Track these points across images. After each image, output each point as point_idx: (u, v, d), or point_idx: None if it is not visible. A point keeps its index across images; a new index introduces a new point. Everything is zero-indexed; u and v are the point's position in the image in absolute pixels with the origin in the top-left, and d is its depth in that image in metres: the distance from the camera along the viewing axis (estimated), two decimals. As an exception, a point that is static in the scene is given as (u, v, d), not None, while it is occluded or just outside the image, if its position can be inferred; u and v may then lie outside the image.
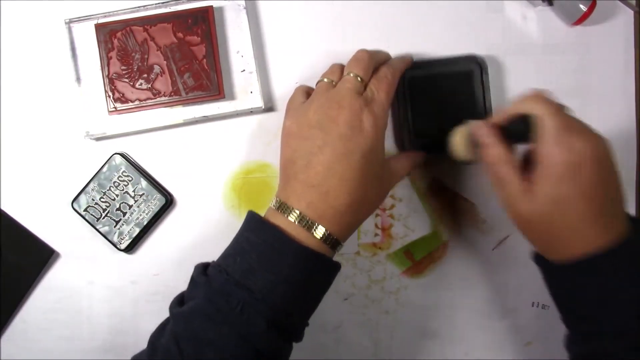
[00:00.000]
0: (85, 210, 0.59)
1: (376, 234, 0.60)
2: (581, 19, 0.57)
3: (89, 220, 0.59)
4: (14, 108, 0.60)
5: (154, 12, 0.58)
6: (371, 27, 0.59)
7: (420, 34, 0.58)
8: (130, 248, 0.59)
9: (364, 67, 0.50)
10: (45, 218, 0.60)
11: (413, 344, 0.60)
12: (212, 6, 0.58)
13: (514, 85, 0.59)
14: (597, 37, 0.59)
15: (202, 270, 0.48)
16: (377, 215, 0.60)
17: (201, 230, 0.60)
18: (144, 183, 0.59)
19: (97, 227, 0.59)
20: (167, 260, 0.60)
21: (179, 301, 0.48)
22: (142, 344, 0.60)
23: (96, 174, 0.59)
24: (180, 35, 0.58)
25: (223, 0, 0.59)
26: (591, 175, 0.45)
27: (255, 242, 0.47)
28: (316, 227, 0.46)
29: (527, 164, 0.47)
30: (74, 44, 0.59)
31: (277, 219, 0.47)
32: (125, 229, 0.59)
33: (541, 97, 0.47)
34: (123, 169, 0.59)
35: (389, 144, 0.59)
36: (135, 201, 0.59)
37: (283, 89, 0.60)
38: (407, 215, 0.60)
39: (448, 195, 0.60)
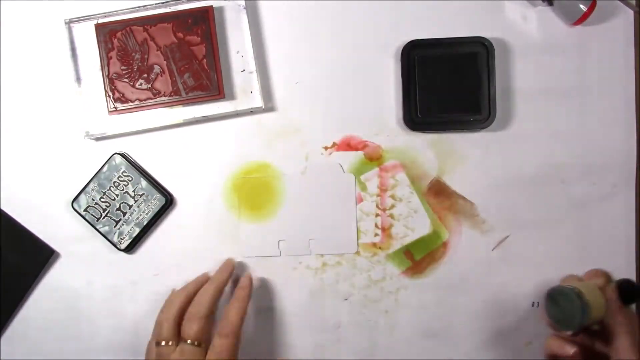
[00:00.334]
0: (85, 210, 0.59)
1: (376, 234, 0.60)
2: (581, 19, 0.57)
3: (89, 220, 0.59)
4: (14, 108, 0.60)
5: (154, 12, 0.58)
6: (371, 28, 0.59)
7: (420, 34, 0.58)
8: (130, 248, 0.59)
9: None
10: (45, 218, 0.60)
11: (413, 344, 0.60)
12: (212, 6, 0.58)
13: (514, 86, 0.59)
14: (597, 37, 0.59)
15: None
16: (377, 215, 0.60)
17: (201, 230, 0.60)
18: (144, 183, 0.59)
19: (97, 227, 0.59)
20: (167, 260, 0.60)
21: None
22: (142, 344, 0.61)
23: (96, 174, 0.59)
24: (180, 35, 0.58)
25: (223, 0, 0.59)
26: None
27: None
28: None
29: None
30: (74, 44, 0.59)
31: None
32: (125, 229, 0.59)
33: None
34: (123, 169, 0.59)
35: (398, 121, 0.59)
36: (135, 201, 0.59)
37: (283, 89, 0.60)
38: (407, 215, 0.60)
39: (448, 195, 0.60)
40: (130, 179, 0.59)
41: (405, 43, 0.58)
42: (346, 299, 0.60)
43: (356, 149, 0.60)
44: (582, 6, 0.56)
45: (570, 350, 0.48)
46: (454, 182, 0.60)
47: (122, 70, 0.58)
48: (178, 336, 0.53)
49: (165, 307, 0.55)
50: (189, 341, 0.52)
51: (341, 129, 0.60)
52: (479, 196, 0.60)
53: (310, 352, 0.60)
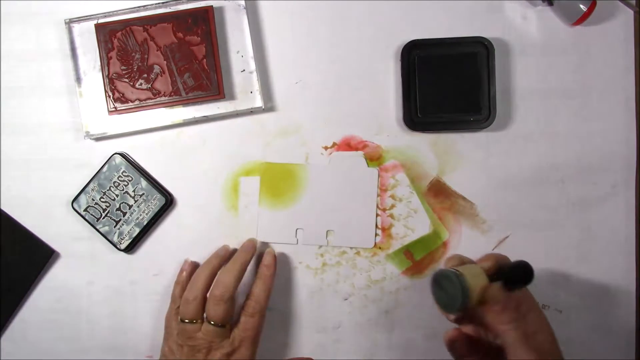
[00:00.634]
0: (85, 210, 0.59)
1: (376, 234, 0.60)
2: (581, 19, 0.57)
3: (89, 220, 0.59)
4: (14, 108, 0.60)
5: (154, 12, 0.58)
6: (371, 28, 0.59)
7: (420, 34, 0.58)
8: (130, 248, 0.59)
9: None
10: (45, 218, 0.60)
11: (413, 344, 0.60)
12: (212, 6, 0.58)
13: (514, 86, 0.59)
14: (597, 37, 0.59)
15: None
16: (377, 215, 0.60)
17: (201, 230, 0.60)
18: (144, 183, 0.59)
19: (97, 227, 0.59)
20: (167, 260, 0.60)
21: None
22: (142, 344, 0.61)
23: (96, 174, 0.59)
24: (180, 35, 0.58)
25: (223, 0, 0.59)
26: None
27: None
28: None
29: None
30: (74, 44, 0.59)
31: None
32: (125, 229, 0.59)
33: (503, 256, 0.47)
34: (123, 169, 0.59)
35: (398, 121, 0.59)
36: (135, 201, 0.59)
37: (283, 89, 0.60)
38: (407, 215, 0.60)
39: (448, 195, 0.60)
40: (130, 179, 0.59)
41: (405, 43, 0.58)
42: (346, 299, 0.60)
43: (356, 149, 0.60)
44: (582, 6, 0.56)
45: (451, 320, 0.49)
46: (454, 182, 0.60)
47: (122, 70, 0.58)
48: (202, 313, 0.54)
49: (190, 285, 0.55)
50: (212, 322, 0.53)
51: (341, 129, 0.60)
52: (479, 196, 0.60)
53: (310, 352, 0.60)
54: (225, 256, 0.58)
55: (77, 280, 0.60)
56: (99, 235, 0.59)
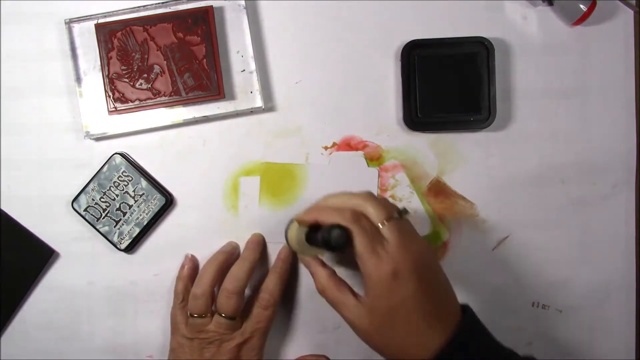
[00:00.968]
0: (85, 210, 0.59)
1: (376, 234, 0.60)
2: (581, 19, 0.57)
3: (89, 220, 0.59)
4: (14, 108, 0.60)
5: (154, 12, 0.58)
6: (371, 28, 0.59)
7: (420, 34, 0.58)
8: (130, 248, 0.59)
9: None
10: (45, 218, 0.60)
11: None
12: (212, 6, 0.58)
13: (514, 86, 0.59)
14: (597, 37, 0.59)
15: None
16: (377, 215, 0.60)
17: (201, 230, 0.60)
18: (144, 183, 0.59)
19: (97, 227, 0.59)
20: (167, 260, 0.60)
21: None
22: (142, 344, 0.61)
23: (96, 174, 0.59)
24: (180, 35, 0.58)
25: (223, 0, 0.59)
26: (406, 288, 0.46)
27: None
28: None
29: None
30: (74, 44, 0.59)
31: None
32: (125, 229, 0.59)
33: (347, 211, 0.47)
34: (123, 169, 0.59)
35: (398, 121, 0.59)
36: (135, 201, 0.59)
37: (283, 89, 0.60)
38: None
39: (448, 195, 0.60)
40: (130, 179, 0.59)
41: (405, 43, 0.58)
42: (346, 299, 0.60)
43: (356, 149, 0.60)
44: (582, 6, 0.56)
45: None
46: (454, 182, 0.60)
47: (122, 70, 0.58)
48: (211, 307, 0.55)
49: (198, 281, 0.56)
50: (223, 314, 0.54)
51: (341, 129, 0.60)
52: (479, 196, 0.60)
53: (310, 352, 0.60)
54: (231, 252, 0.58)
55: (77, 280, 0.60)
56: (99, 235, 0.59)
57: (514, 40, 0.59)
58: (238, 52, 0.59)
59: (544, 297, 0.59)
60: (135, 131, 0.59)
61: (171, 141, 0.60)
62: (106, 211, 0.59)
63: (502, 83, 0.59)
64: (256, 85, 0.58)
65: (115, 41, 0.58)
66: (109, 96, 0.58)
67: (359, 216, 0.47)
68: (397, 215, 0.48)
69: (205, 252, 0.60)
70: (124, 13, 0.58)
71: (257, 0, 0.60)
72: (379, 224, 0.47)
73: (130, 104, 0.58)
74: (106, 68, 0.58)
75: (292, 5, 0.60)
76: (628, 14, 0.59)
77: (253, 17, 0.59)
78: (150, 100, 0.58)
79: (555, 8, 0.58)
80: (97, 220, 0.59)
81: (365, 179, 0.59)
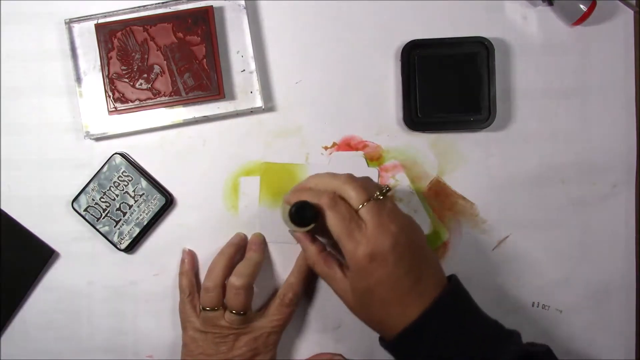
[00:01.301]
0: (85, 210, 0.59)
1: (376, 234, 0.60)
2: (581, 19, 0.57)
3: (89, 220, 0.59)
4: (14, 108, 0.60)
5: (154, 12, 0.58)
6: (371, 28, 0.59)
7: (420, 34, 0.58)
8: (130, 248, 0.59)
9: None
10: (45, 218, 0.60)
11: (413, 344, 0.60)
12: (212, 6, 0.58)
13: (514, 86, 0.59)
14: (597, 37, 0.59)
15: None
16: (377, 215, 0.60)
17: (201, 230, 0.60)
18: (144, 183, 0.59)
19: (97, 227, 0.59)
20: (167, 260, 0.60)
21: None
22: (142, 344, 0.61)
23: (96, 174, 0.59)
24: (180, 35, 0.58)
25: (223, 0, 0.59)
26: (383, 269, 0.47)
27: None
28: None
29: None
30: (74, 44, 0.59)
31: None
32: (125, 229, 0.59)
33: (325, 195, 0.49)
34: (123, 169, 0.59)
35: (398, 121, 0.59)
36: (135, 201, 0.59)
37: (283, 89, 0.60)
38: (407, 215, 0.60)
39: (448, 195, 0.60)
40: (130, 179, 0.59)
41: (405, 43, 0.58)
42: (346, 299, 0.60)
43: (356, 149, 0.60)
44: (582, 6, 0.56)
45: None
46: (454, 182, 0.60)
47: (122, 70, 0.58)
48: (223, 300, 0.55)
49: (209, 274, 0.56)
50: (234, 311, 0.54)
51: (341, 129, 0.60)
52: (479, 196, 0.60)
53: (310, 352, 0.60)
54: (239, 244, 0.59)
55: (77, 280, 0.60)
56: (99, 235, 0.59)
57: (514, 40, 0.59)
58: (238, 52, 0.59)
59: (544, 297, 0.59)
60: (135, 131, 0.59)
61: (171, 141, 0.60)
62: (106, 211, 0.59)
63: (502, 83, 0.59)
64: (256, 85, 0.58)
65: (115, 41, 0.58)
66: (109, 96, 0.58)
67: (336, 201, 0.49)
68: (378, 195, 0.49)
69: (205, 251, 0.60)
70: (124, 13, 0.58)
71: (257, 0, 0.60)
72: (359, 206, 0.48)
73: (130, 104, 0.58)
74: (106, 68, 0.58)
75: (292, 5, 0.60)
76: (628, 14, 0.59)
77: (253, 17, 0.59)
78: (150, 100, 0.58)
79: (555, 8, 0.58)
80: (97, 220, 0.59)
81: (365, 179, 0.59)
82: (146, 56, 0.58)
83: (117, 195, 0.59)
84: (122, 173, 0.59)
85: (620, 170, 0.59)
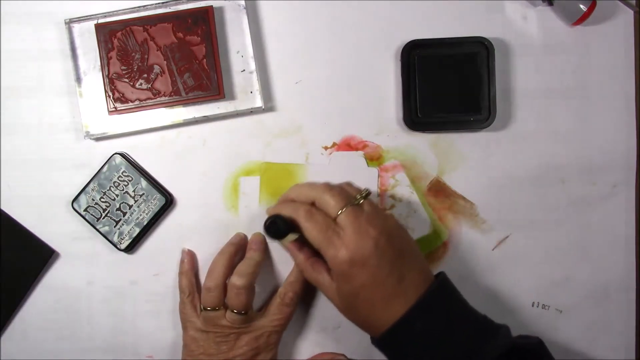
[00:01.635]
0: (85, 210, 0.59)
1: (376, 234, 0.60)
2: (581, 19, 0.57)
3: (89, 220, 0.59)
4: (14, 108, 0.60)
5: (154, 12, 0.58)
6: (371, 28, 0.59)
7: (420, 34, 0.58)
8: (130, 248, 0.59)
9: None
10: (45, 218, 0.60)
11: (413, 344, 0.60)
12: (212, 6, 0.58)
13: (514, 86, 0.59)
14: (597, 37, 0.59)
15: None
16: (377, 215, 0.60)
17: (201, 230, 0.60)
18: (144, 183, 0.59)
19: (97, 227, 0.59)
20: (167, 260, 0.60)
21: None
22: (142, 344, 0.61)
23: (96, 174, 0.59)
24: (180, 35, 0.58)
25: (223, 0, 0.59)
26: (364, 274, 0.48)
27: None
28: None
29: None
30: (74, 44, 0.59)
31: None
32: (125, 229, 0.59)
33: (301, 208, 0.50)
34: (123, 169, 0.59)
35: (398, 121, 0.59)
36: (135, 201, 0.59)
37: (283, 89, 0.60)
38: (407, 215, 0.60)
39: (448, 195, 0.60)
40: (130, 179, 0.59)
41: (405, 43, 0.58)
42: (346, 299, 0.60)
43: (356, 149, 0.60)
44: (582, 6, 0.56)
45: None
46: (454, 182, 0.60)
47: (122, 70, 0.58)
48: (224, 300, 0.55)
49: (210, 274, 0.56)
50: (235, 310, 0.54)
51: (341, 129, 0.60)
52: (479, 196, 0.60)
53: (310, 352, 0.60)
54: (239, 243, 0.59)
55: (77, 280, 0.60)
56: (99, 235, 0.59)
57: (514, 40, 0.59)
58: (238, 52, 0.59)
59: (544, 297, 0.59)
60: (135, 131, 0.59)
61: (171, 141, 0.60)
62: (106, 211, 0.59)
63: (502, 83, 0.59)
64: (256, 85, 0.58)
65: (115, 41, 0.58)
66: (109, 96, 0.58)
67: (311, 213, 0.50)
68: (358, 199, 0.50)
69: (205, 251, 0.60)
70: (124, 13, 0.58)
71: (257, 0, 0.60)
72: (338, 212, 0.49)
73: (130, 104, 0.58)
74: (106, 68, 0.58)
75: (292, 5, 0.60)
76: (628, 14, 0.59)
77: (253, 17, 0.59)
78: (150, 100, 0.58)
79: (555, 8, 0.58)
80: (97, 220, 0.59)
81: (365, 179, 0.59)
82: (146, 56, 0.58)
83: (117, 195, 0.59)
84: (122, 173, 0.59)
85: (620, 170, 0.59)
